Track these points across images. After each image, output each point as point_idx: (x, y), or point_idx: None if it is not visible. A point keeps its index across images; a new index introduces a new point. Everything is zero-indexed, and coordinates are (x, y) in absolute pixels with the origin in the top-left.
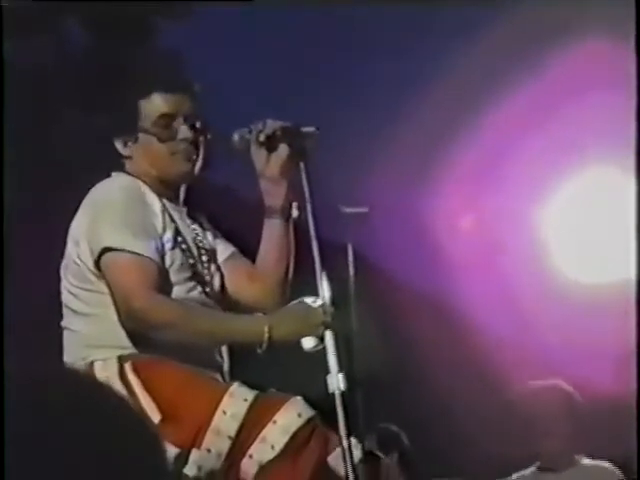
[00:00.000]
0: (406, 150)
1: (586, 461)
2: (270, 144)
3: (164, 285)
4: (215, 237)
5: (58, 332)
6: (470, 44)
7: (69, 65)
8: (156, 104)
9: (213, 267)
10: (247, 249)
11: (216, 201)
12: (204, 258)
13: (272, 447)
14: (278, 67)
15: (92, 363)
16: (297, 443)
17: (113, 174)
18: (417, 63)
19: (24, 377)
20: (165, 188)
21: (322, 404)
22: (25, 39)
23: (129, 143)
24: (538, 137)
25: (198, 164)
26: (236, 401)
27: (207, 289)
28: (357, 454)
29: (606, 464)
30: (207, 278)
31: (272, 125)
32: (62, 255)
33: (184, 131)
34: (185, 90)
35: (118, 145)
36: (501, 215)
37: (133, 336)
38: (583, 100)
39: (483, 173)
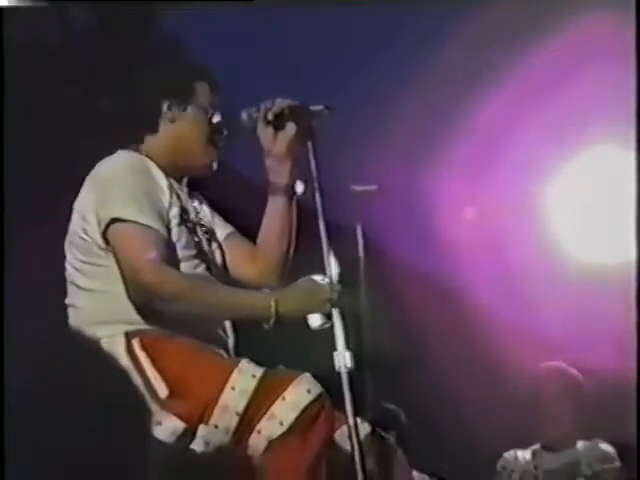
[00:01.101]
0: (413, 131)
1: (584, 442)
2: (278, 122)
3: (172, 258)
4: (213, 217)
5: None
6: (469, 23)
7: (72, 46)
8: (207, 91)
9: (214, 245)
10: (246, 230)
11: (215, 181)
12: (206, 236)
13: (281, 423)
14: (285, 47)
15: (99, 340)
16: (306, 419)
17: (118, 151)
18: (421, 50)
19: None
20: (175, 171)
21: (328, 382)
22: (28, 20)
23: (175, 109)
24: (540, 116)
25: (215, 164)
26: (245, 377)
27: (211, 266)
28: (363, 432)
29: (603, 444)
30: (210, 256)
31: (280, 103)
32: (65, 232)
33: (217, 116)
34: (216, 83)
35: (164, 105)
36: (507, 197)
37: (141, 309)
38: (583, 77)
39: (489, 155)
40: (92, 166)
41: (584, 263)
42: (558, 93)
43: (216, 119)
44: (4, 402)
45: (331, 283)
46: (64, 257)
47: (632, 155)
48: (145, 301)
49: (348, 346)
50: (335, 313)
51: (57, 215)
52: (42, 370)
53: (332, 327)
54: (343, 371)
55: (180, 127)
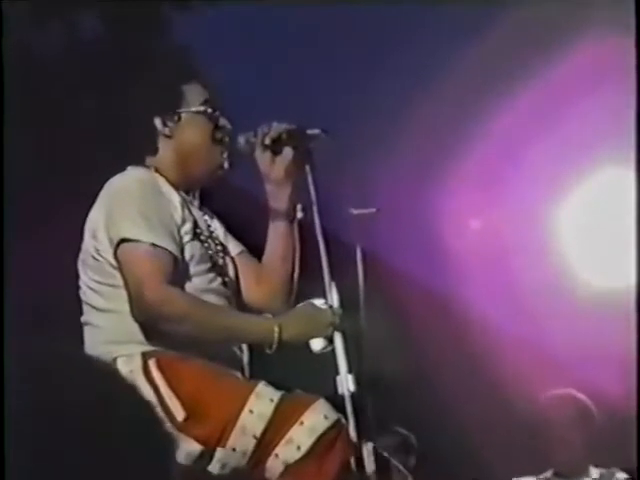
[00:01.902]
0: (414, 151)
1: (598, 469)
2: (275, 147)
3: (179, 278)
4: (225, 234)
5: (64, 322)
6: (472, 47)
7: (83, 54)
8: (199, 90)
9: (227, 258)
10: (256, 248)
11: (227, 200)
12: (219, 248)
13: (298, 448)
14: (287, 68)
15: (115, 359)
16: (323, 445)
17: (129, 168)
18: (424, 66)
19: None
20: (185, 183)
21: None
22: (39, 28)
23: (169, 123)
24: (546, 138)
25: (226, 161)
26: (262, 401)
27: (226, 280)
28: (370, 457)
29: (619, 473)
30: (225, 269)
31: (277, 128)
32: (79, 250)
33: (223, 120)
34: (214, 88)
35: (157, 123)
36: (510, 216)
37: (144, 328)
38: (588, 98)
39: (492, 174)
40: (95, 179)
41: (593, 284)
42: (566, 113)
43: (215, 115)
44: (4, 404)
45: (332, 307)
46: (64, 273)
47: (632, 176)
48: (147, 321)
49: (350, 369)
50: (337, 337)
51: (58, 230)
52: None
53: (334, 350)
54: (346, 394)
55: (180, 139)
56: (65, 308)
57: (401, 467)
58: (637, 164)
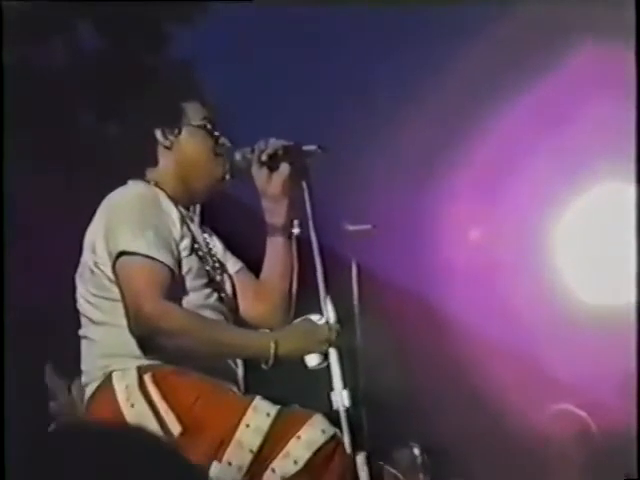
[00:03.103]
0: (410, 166)
1: None
2: (272, 163)
3: (176, 292)
4: (225, 252)
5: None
6: (470, 52)
7: (82, 68)
8: (199, 107)
9: (225, 276)
10: (257, 264)
11: (227, 217)
12: (217, 265)
13: (295, 462)
14: (285, 82)
15: (110, 373)
16: (320, 459)
17: (130, 182)
18: (420, 77)
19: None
20: (185, 197)
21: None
22: (39, 41)
23: (170, 135)
24: (545, 149)
25: (227, 174)
26: (259, 415)
27: (223, 296)
28: (364, 469)
29: None
30: (222, 285)
31: (274, 144)
32: (77, 263)
33: (223, 139)
34: (213, 107)
35: (158, 134)
36: (508, 229)
37: (141, 342)
38: (588, 106)
39: (489, 186)
40: (95, 193)
41: (589, 297)
42: (567, 122)
43: (214, 131)
44: (4, 404)
45: (328, 323)
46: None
47: (632, 190)
48: (144, 335)
49: (345, 385)
50: (332, 352)
51: (58, 244)
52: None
53: (329, 366)
54: (341, 410)
55: (179, 152)
56: (63, 322)
57: (397, 474)
58: (637, 177)
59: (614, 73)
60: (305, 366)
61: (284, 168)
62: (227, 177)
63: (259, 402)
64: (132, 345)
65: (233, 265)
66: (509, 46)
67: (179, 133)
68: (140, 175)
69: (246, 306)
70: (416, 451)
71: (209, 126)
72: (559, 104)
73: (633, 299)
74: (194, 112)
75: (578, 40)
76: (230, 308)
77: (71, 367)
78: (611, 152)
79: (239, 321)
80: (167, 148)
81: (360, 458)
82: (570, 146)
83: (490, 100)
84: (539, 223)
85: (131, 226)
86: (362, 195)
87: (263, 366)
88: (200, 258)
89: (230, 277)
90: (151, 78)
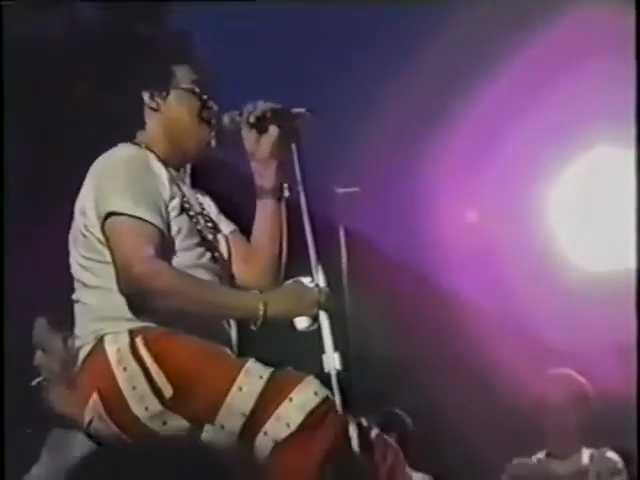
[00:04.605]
0: (399, 130)
1: (589, 450)
2: (260, 126)
3: (166, 252)
4: (218, 213)
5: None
6: (462, 18)
7: (81, 39)
8: (189, 71)
9: (219, 235)
10: (249, 228)
11: (218, 178)
12: (209, 225)
13: (287, 425)
14: (275, 50)
15: (103, 337)
16: (313, 421)
17: (119, 144)
18: (412, 44)
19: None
20: (175, 158)
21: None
22: (38, 12)
23: (157, 98)
24: (540, 115)
25: (213, 140)
26: (252, 378)
27: (216, 254)
28: (355, 435)
29: (610, 453)
30: (215, 244)
31: (262, 107)
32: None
33: (211, 102)
34: (206, 70)
35: (145, 97)
36: (499, 198)
37: (131, 303)
38: (582, 73)
39: (479, 153)
40: (88, 159)
41: (587, 270)
42: (557, 91)
43: (202, 95)
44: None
45: (318, 286)
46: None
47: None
48: (135, 295)
49: (336, 348)
50: (322, 315)
51: (58, 208)
52: None
53: (319, 329)
54: (332, 373)
55: (167, 113)
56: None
57: (391, 441)
58: (637, 139)
59: (614, 33)
60: (295, 328)
61: (273, 130)
62: (213, 143)
63: (252, 365)
64: (124, 308)
65: (226, 226)
66: (508, 5)
67: (167, 95)
68: (130, 138)
69: (236, 268)
70: (407, 419)
71: (197, 90)
72: (556, 68)
73: (633, 265)
74: (183, 75)
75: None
76: (224, 268)
77: (67, 321)
78: (609, 115)
79: (233, 280)
80: (154, 110)
81: (352, 425)
82: (570, 108)
83: (484, 66)
84: (536, 190)
85: (119, 187)
86: (352, 159)
87: (252, 327)
88: (190, 217)
89: (225, 237)
90: (146, 46)
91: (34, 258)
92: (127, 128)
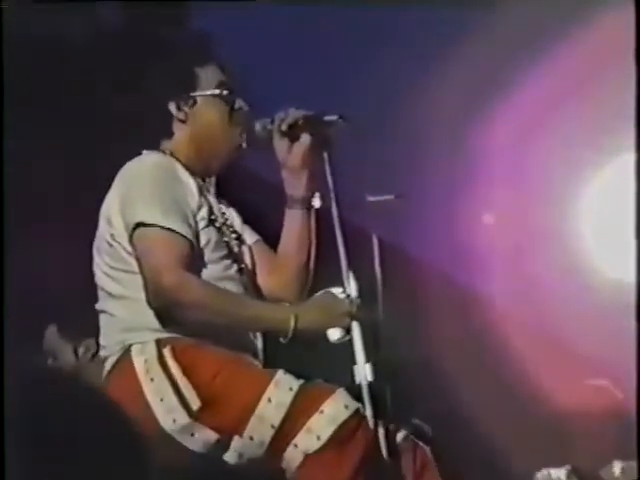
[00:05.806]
0: (432, 138)
1: (620, 462)
2: (292, 134)
3: (195, 264)
4: (242, 223)
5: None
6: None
7: (100, 43)
8: (214, 72)
9: (243, 247)
10: (273, 238)
11: (245, 189)
12: (234, 236)
13: (318, 437)
14: (305, 54)
15: (129, 347)
16: (343, 434)
17: (144, 152)
18: (442, 43)
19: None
20: (201, 166)
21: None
22: (56, 15)
23: (184, 107)
24: (562, 121)
25: (244, 142)
26: (282, 390)
27: (242, 266)
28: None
29: (634, 463)
30: (240, 257)
31: (294, 114)
32: (93, 237)
33: (240, 102)
34: (230, 70)
35: (172, 108)
36: (530, 205)
37: (159, 314)
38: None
39: (511, 163)
40: (111, 167)
41: (608, 276)
42: (580, 99)
43: (230, 97)
44: (4, 404)
45: (349, 296)
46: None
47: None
48: (163, 306)
49: (368, 359)
50: (354, 326)
51: (73, 217)
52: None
53: (351, 340)
54: (364, 384)
55: (195, 123)
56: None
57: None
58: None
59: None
60: (327, 340)
61: (305, 139)
62: (244, 145)
63: (282, 376)
64: (151, 318)
65: (250, 236)
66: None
67: (194, 104)
68: (155, 146)
69: (261, 278)
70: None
71: (225, 92)
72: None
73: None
74: (209, 78)
75: (579, 16)
76: (250, 279)
77: (77, 330)
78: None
79: (259, 292)
80: (182, 121)
81: (381, 433)
82: (590, 116)
83: (507, 74)
84: (564, 196)
85: (146, 196)
86: (385, 167)
87: (281, 340)
88: (218, 229)
89: (249, 248)
90: (167, 48)
91: (34, 258)
92: (151, 136)
